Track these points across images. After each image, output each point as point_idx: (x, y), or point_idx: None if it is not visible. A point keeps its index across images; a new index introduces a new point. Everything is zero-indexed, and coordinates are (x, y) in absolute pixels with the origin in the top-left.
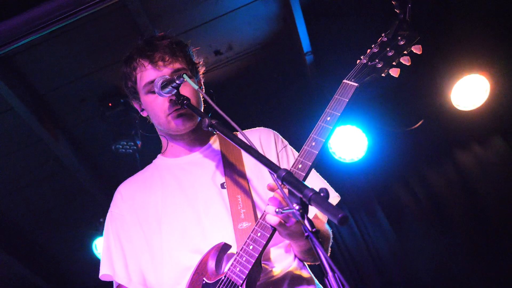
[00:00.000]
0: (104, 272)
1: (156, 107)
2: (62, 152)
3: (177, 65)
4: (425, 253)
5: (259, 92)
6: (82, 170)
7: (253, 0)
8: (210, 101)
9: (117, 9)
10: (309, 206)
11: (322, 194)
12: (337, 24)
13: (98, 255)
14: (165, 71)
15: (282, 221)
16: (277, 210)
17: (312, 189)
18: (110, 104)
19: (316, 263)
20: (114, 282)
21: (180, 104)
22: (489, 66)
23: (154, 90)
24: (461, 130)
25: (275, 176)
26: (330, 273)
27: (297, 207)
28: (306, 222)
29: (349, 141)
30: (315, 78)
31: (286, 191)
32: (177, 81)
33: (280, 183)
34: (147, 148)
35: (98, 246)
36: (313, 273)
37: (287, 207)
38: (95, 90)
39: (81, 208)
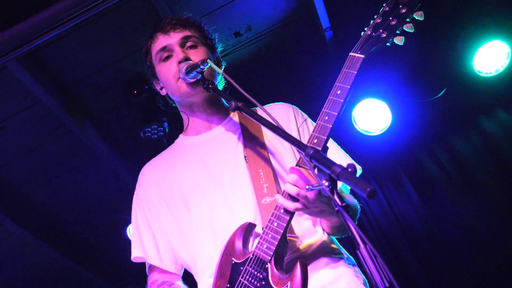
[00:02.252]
0: (136, 255)
1: (166, 73)
2: (91, 142)
3: (187, 32)
4: (454, 221)
5: (280, 70)
6: (112, 157)
7: None
8: (233, 82)
9: None
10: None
11: (349, 170)
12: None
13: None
14: (175, 37)
15: (299, 206)
16: (307, 187)
17: (340, 165)
18: (135, 92)
19: (343, 237)
20: (146, 263)
21: (206, 89)
22: (509, 32)
23: (179, 76)
24: (484, 97)
25: (303, 154)
26: (361, 245)
27: (326, 183)
28: (336, 197)
29: (373, 114)
30: (335, 53)
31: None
32: (201, 66)
33: (309, 160)
34: (175, 133)
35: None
36: (342, 245)
37: (316, 184)
38: (119, 78)
39: (114, 195)
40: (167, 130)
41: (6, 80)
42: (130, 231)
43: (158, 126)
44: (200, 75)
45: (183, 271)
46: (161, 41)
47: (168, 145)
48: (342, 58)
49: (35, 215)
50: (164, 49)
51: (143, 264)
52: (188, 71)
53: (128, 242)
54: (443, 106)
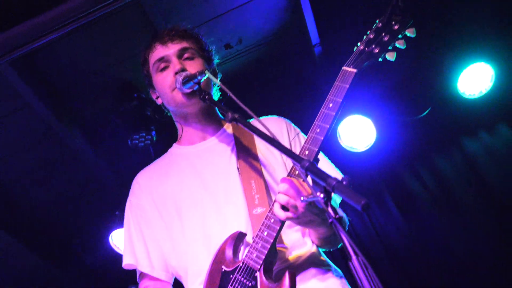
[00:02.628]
0: (127, 262)
1: (163, 83)
2: (78, 147)
3: (184, 44)
4: (434, 238)
5: (269, 84)
6: (98, 163)
7: None
8: (230, 94)
9: (130, 6)
10: (332, 194)
11: (344, 183)
12: (345, 16)
13: (114, 247)
14: (172, 48)
15: (290, 215)
16: (302, 198)
17: (335, 178)
18: (125, 99)
19: (331, 250)
20: (137, 270)
21: (202, 99)
22: (494, 54)
23: (176, 86)
24: (468, 118)
25: (299, 166)
26: (354, 257)
27: (321, 195)
28: (329, 209)
29: (358, 131)
30: (324, 68)
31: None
32: (199, 77)
33: (304, 172)
34: (162, 142)
35: (114, 238)
36: (332, 257)
37: (311, 196)
38: (109, 85)
39: (98, 201)
40: (154, 138)
41: None
42: (113, 238)
43: (146, 134)
44: (197, 86)
45: (173, 279)
46: (159, 51)
47: (154, 154)
48: (331, 73)
49: (18, 217)
50: (161, 59)
51: (125, 273)
52: (185, 82)
53: (110, 250)
54: (427, 125)
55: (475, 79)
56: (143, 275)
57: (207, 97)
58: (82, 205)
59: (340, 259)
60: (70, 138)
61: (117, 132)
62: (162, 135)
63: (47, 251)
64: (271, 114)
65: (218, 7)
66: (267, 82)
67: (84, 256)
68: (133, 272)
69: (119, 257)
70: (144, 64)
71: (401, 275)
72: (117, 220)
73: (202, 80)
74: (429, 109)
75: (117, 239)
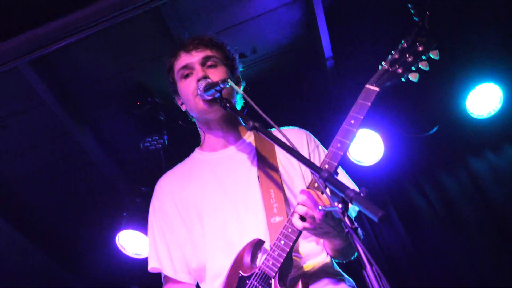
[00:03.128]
0: (153, 266)
1: (186, 90)
2: (89, 147)
3: (208, 52)
4: (438, 257)
5: (280, 94)
6: (108, 164)
7: (278, 7)
8: (252, 103)
9: (149, 12)
10: (350, 205)
11: (362, 194)
12: (358, 32)
13: (120, 248)
14: (196, 56)
15: (307, 226)
16: (320, 208)
17: (353, 190)
18: (138, 103)
19: (345, 261)
20: (161, 273)
21: (223, 107)
22: (503, 76)
23: (197, 92)
24: (475, 138)
25: (318, 176)
26: (368, 266)
27: (340, 206)
28: (346, 219)
29: (366, 145)
30: (335, 82)
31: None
32: (221, 85)
33: (323, 183)
34: (173, 147)
35: (121, 239)
36: (345, 268)
37: (328, 206)
38: (124, 88)
39: (105, 202)
40: (166, 142)
41: (13, 79)
42: (119, 239)
43: (159, 138)
44: (219, 94)
45: (196, 281)
46: (183, 59)
47: (164, 158)
48: (342, 86)
49: (25, 214)
50: (185, 67)
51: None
52: (206, 89)
53: (116, 251)
54: (434, 143)
55: (484, 99)
56: (167, 278)
57: (228, 105)
58: (91, 205)
59: (353, 270)
60: (82, 139)
61: (129, 135)
62: (175, 141)
63: (54, 250)
64: (281, 123)
65: (234, 17)
66: (278, 93)
67: (89, 256)
68: (136, 272)
69: (123, 258)
70: (170, 72)
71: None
72: (125, 221)
73: (224, 88)
74: (437, 127)
75: (123, 240)
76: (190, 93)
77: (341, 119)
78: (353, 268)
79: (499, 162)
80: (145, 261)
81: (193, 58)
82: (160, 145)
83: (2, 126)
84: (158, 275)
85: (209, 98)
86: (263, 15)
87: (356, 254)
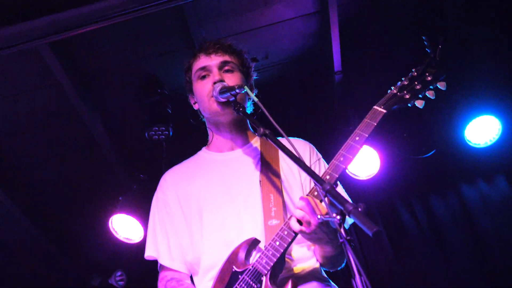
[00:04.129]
0: (149, 254)
1: (201, 90)
2: (95, 130)
3: (226, 57)
4: (420, 276)
5: (286, 102)
6: (112, 150)
7: (296, 17)
8: (264, 110)
9: (171, 8)
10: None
11: (360, 209)
12: (369, 51)
13: (112, 231)
14: (215, 59)
15: (303, 229)
16: (319, 216)
17: (352, 204)
18: (148, 93)
19: (332, 270)
20: (158, 262)
21: (236, 111)
22: (502, 109)
23: (213, 94)
24: (469, 165)
25: (320, 188)
26: (357, 276)
27: (338, 217)
28: (342, 230)
29: (363, 160)
30: (341, 96)
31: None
32: (237, 90)
33: (324, 194)
34: (175, 141)
35: (114, 222)
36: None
37: (327, 215)
38: (137, 77)
39: (104, 185)
40: (170, 134)
41: (31, 57)
42: (113, 222)
43: (164, 129)
44: (233, 98)
45: (190, 273)
46: (202, 61)
47: (166, 149)
48: (347, 101)
49: (25, 189)
50: (203, 68)
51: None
52: (222, 92)
53: (108, 234)
54: (429, 166)
55: (482, 130)
56: (163, 266)
57: (241, 109)
58: (89, 185)
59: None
60: (90, 121)
61: (135, 123)
62: (178, 135)
63: (47, 225)
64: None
65: (253, 22)
66: (284, 100)
67: (81, 234)
68: (122, 256)
69: (114, 241)
70: (187, 71)
71: None
72: (120, 205)
73: (240, 93)
74: (433, 150)
75: (116, 223)
76: (205, 94)
77: (342, 132)
78: (337, 278)
79: (490, 192)
80: (134, 246)
81: (212, 61)
82: (164, 136)
83: (14, 100)
84: (146, 262)
85: (223, 100)
86: (280, 23)
87: (343, 264)
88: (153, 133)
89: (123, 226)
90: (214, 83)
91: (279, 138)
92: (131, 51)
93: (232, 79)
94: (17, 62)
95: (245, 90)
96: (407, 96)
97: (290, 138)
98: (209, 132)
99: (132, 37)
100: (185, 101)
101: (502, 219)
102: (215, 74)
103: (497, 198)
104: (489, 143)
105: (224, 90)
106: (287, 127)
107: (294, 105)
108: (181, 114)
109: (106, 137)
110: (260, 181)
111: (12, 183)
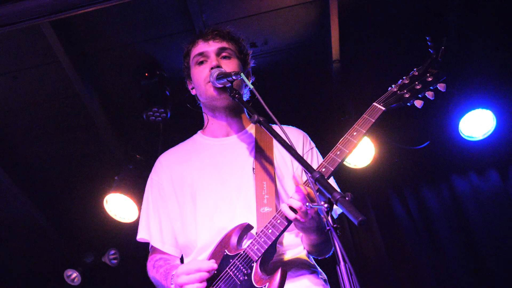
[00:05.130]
0: (142, 236)
1: (198, 76)
2: (93, 110)
3: (224, 44)
4: (409, 266)
5: (283, 89)
6: (108, 130)
7: (296, 4)
8: (259, 98)
9: None
10: (334, 206)
11: (347, 198)
12: (368, 41)
13: (107, 210)
14: (213, 46)
15: (298, 218)
16: (307, 204)
17: (340, 193)
18: (146, 74)
19: (319, 258)
20: (150, 244)
21: (232, 97)
22: (497, 103)
23: (209, 79)
24: (462, 158)
25: (310, 176)
26: (342, 263)
27: (325, 205)
28: (329, 218)
29: (358, 149)
30: (338, 85)
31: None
32: (234, 76)
33: (313, 182)
34: (172, 123)
35: (109, 201)
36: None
37: (315, 203)
38: (136, 59)
39: (99, 164)
40: (168, 116)
41: (32, 35)
42: (107, 201)
43: (163, 111)
44: (230, 84)
45: (181, 254)
46: (200, 47)
47: (163, 131)
48: (344, 91)
49: (22, 167)
50: (201, 54)
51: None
52: (219, 77)
53: (102, 212)
54: (422, 157)
55: (477, 123)
56: (154, 248)
57: (237, 95)
58: (86, 164)
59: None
60: (89, 100)
61: (133, 103)
62: (175, 117)
63: (45, 203)
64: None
65: (254, 7)
66: (281, 87)
67: (76, 211)
68: (116, 235)
69: (108, 220)
70: (186, 57)
71: None
72: (115, 184)
73: (236, 80)
74: (428, 142)
75: (111, 202)
76: (202, 79)
77: (337, 121)
78: (326, 264)
79: (481, 184)
80: (128, 226)
81: (210, 47)
82: (161, 118)
83: (14, 77)
84: (139, 243)
85: (220, 86)
86: (281, 9)
87: (331, 253)
88: (151, 113)
89: (118, 206)
90: (211, 68)
91: (273, 126)
92: (131, 33)
93: (229, 66)
94: (18, 39)
95: (241, 77)
96: (407, 95)
97: (284, 126)
98: (205, 117)
99: (133, 19)
100: (184, 85)
101: (492, 212)
102: (213, 60)
103: (488, 191)
104: (482, 137)
105: (221, 76)
106: (282, 115)
107: (291, 93)
108: (179, 97)
109: (104, 117)
110: (253, 169)
111: (9, 160)
